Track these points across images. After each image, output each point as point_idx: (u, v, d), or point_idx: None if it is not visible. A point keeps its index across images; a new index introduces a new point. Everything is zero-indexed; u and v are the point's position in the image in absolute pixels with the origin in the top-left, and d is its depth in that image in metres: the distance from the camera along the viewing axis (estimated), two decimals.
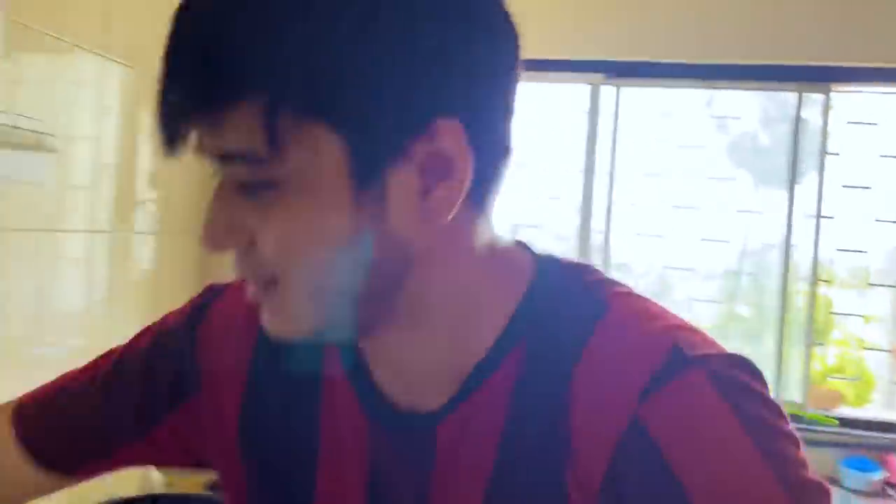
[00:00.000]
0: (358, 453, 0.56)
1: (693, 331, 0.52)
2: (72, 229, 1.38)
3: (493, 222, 0.54)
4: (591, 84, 2.59)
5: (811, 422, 2.46)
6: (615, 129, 2.61)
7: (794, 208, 2.54)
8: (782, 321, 2.57)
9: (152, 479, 1.48)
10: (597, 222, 2.60)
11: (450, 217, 0.47)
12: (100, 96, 1.44)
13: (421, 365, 0.54)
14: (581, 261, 0.58)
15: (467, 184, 0.47)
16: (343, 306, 0.49)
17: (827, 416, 2.47)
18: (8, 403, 0.67)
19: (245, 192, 0.47)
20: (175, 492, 1.49)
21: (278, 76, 0.43)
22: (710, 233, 2.63)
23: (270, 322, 0.51)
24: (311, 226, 0.46)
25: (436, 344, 0.53)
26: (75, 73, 1.38)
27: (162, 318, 0.68)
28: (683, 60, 2.49)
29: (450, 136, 0.46)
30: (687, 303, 2.65)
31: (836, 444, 2.41)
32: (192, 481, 1.60)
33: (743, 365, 0.50)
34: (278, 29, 0.43)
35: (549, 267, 0.56)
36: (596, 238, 2.61)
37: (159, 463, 0.73)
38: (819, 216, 2.53)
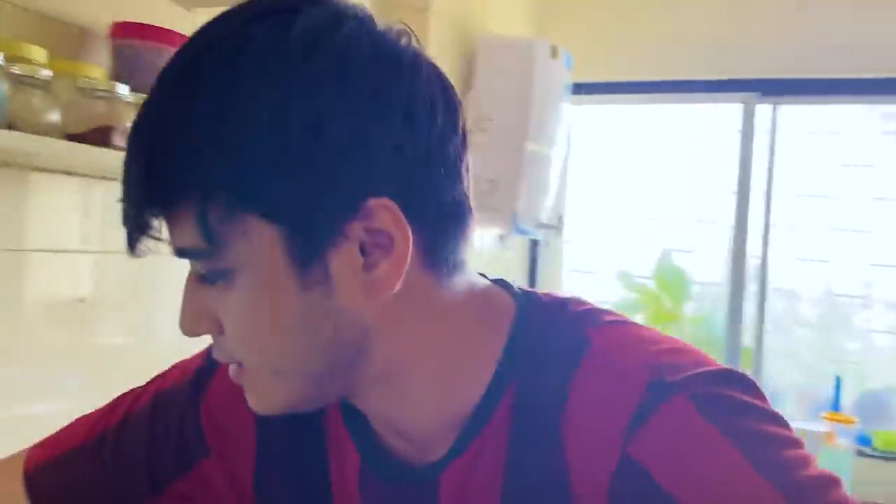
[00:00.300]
0: None
1: (678, 352, 0.52)
2: None
3: (466, 274, 0.55)
4: (744, 103, 2.52)
5: None
6: (772, 149, 2.51)
7: None
8: None
9: None
10: (753, 246, 2.50)
11: (397, 288, 0.49)
12: None
13: (413, 423, 0.55)
14: (563, 295, 0.59)
15: (408, 255, 0.48)
16: (309, 382, 0.51)
17: None
18: (18, 456, 0.69)
19: (204, 281, 0.50)
20: None
21: (205, 177, 0.46)
22: (882, 258, 2.45)
23: (249, 400, 0.53)
24: (261, 310, 0.49)
25: (423, 402, 0.53)
26: None
27: (164, 375, 0.69)
28: (844, 76, 2.36)
29: (383, 212, 0.47)
30: (864, 334, 2.47)
31: None
32: None
33: (729, 378, 0.51)
34: (199, 135, 0.46)
35: (529, 306, 0.56)
36: (752, 262, 2.50)
37: None
38: None
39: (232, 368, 0.53)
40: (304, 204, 0.47)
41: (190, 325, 0.52)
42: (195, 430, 0.64)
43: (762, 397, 0.51)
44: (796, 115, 2.53)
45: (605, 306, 0.59)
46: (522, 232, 2.21)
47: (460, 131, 0.52)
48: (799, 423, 2.31)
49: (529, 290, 0.58)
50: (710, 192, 2.61)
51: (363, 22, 0.50)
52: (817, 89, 2.42)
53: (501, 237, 2.28)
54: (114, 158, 0.92)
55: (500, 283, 0.59)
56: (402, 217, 0.48)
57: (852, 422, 2.20)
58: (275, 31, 0.47)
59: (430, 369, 0.53)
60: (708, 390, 0.49)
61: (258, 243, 0.47)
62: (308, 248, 0.47)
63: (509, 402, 0.53)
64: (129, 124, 0.94)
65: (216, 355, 0.54)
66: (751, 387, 0.51)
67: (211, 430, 0.64)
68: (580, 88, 2.48)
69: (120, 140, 0.92)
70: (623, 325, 0.56)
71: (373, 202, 0.47)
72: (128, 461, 0.65)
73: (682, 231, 2.68)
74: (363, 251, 0.48)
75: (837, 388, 2.35)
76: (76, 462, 0.66)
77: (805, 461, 0.49)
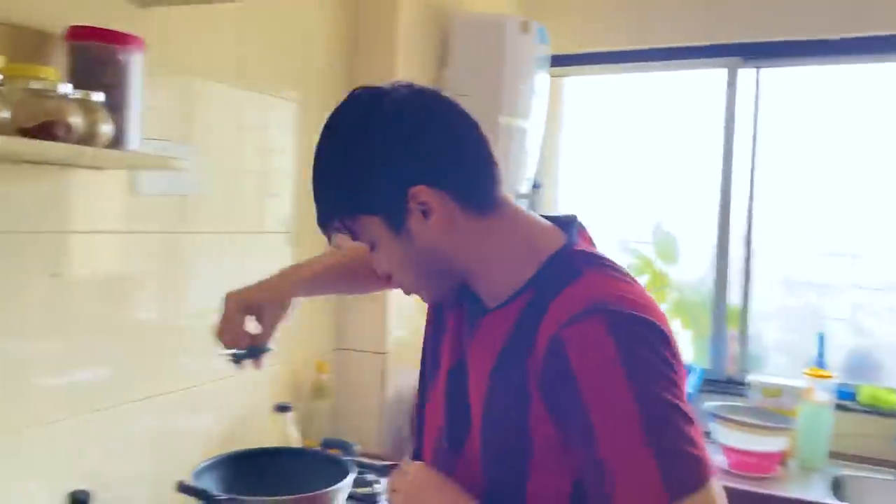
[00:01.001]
0: (453, 329, 1.00)
1: (627, 299, 0.81)
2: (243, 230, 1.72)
3: (513, 209, 0.93)
4: (727, 68, 2.54)
5: None
6: (756, 112, 2.54)
7: None
8: None
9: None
10: (738, 210, 2.54)
11: (446, 227, 0.88)
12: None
13: (489, 288, 0.93)
14: (590, 247, 0.94)
15: (445, 210, 0.88)
16: (431, 286, 0.96)
17: None
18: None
19: (372, 250, 0.93)
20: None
21: (336, 205, 0.91)
22: (869, 216, 2.47)
23: (426, 300, 1.00)
24: (391, 259, 0.92)
25: (485, 285, 0.93)
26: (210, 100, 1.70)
27: None
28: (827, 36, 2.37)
29: (422, 193, 0.87)
30: (851, 291, 2.49)
31: None
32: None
33: (644, 323, 0.79)
34: (328, 182, 0.91)
35: (564, 249, 0.91)
36: (738, 224, 2.55)
37: None
38: None
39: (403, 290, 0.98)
40: (384, 202, 0.88)
41: (378, 268, 0.95)
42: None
43: (666, 346, 0.79)
44: (780, 78, 2.54)
45: (620, 263, 0.90)
46: None
47: (479, 131, 0.93)
48: (782, 379, 2.37)
49: (579, 232, 0.94)
50: (698, 158, 2.65)
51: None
52: (800, 51, 2.44)
53: None
54: (58, 149, 1.05)
55: (564, 221, 0.95)
56: (433, 190, 0.87)
57: (831, 377, 2.25)
58: (357, 119, 0.91)
59: (493, 265, 0.92)
60: (622, 322, 0.78)
61: (373, 227, 0.90)
62: (395, 222, 0.88)
63: (528, 296, 0.88)
64: (72, 119, 1.09)
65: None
66: (659, 334, 0.79)
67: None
68: (562, 60, 2.55)
69: (63, 132, 1.05)
70: (612, 274, 0.87)
71: (414, 190, 0.87)
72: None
73: (672, 197, 2.73)
74: (424, 214, 0.88)
75: (821, 344, 2.40)
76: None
77: (670, 389, 0.76)
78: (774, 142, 2.53)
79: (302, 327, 1.96)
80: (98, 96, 1.15)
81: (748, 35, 2.48)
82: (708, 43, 2.52)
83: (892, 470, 2.23)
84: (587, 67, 2.74)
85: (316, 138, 0.91)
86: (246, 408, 1.79)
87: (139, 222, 1.51)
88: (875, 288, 2.50)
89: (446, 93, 0.93)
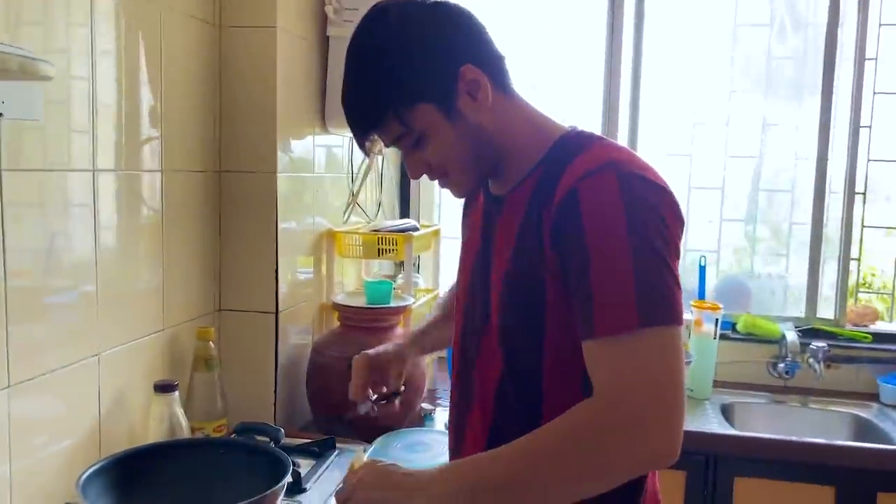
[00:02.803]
0: (477, 221, 1.10)
1: (639, 163, 0.92)
2: (77, 168, 1.31)
3: (527, 104, 1.05)
4: None
5: (846, 339, 2.40)
6: (639, 38, 2.49)
7: (829, 119, 2.43)
8: (817, 237, 2.48)
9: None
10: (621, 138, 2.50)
11: (490, 101, 0.98)
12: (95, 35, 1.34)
13: (505, 176, 1.03)
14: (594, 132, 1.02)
15: (490, 85, 0.97)
16: (476, 172, 1.03)
17: (862, 333, 2.41)
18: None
19: (415, 148, 1.00)
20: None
21: (392, 100, 0.96)
22: (738, 148, 2.52)
23: (452, 193, 1.06)
24: (443, 145, 0.98)
25: (511, 165, 1.02)
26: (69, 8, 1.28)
27: None
28: None
29: (469, 71, 0.96)
30: (716, 222, 2.56)
31: (872, 361, 2.36)
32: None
33: (652, 185, 0.90)
34: (385, 75, 0.96)
35: (574, 131, 1.02)
36: None
37: None
38: (857, 126, 2.41)
39: (439, 182, 1.04)
40: (437, 87, 0.96)
41: (415, 172, 1.03)
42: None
43: (668, 209, 0.89)
44: (662, 4, 2.50)
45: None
46: None
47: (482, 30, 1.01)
48: None
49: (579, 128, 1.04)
50: (582, 85, 2.56)
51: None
52: None
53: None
54: None
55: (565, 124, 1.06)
56: (477, 68, 0.97)
57: (718, 308, 2.30)
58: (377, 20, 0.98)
59: (516, 146, 1.01)
60: (631, 179, 0.88)
61: (427, 116, 0.96)
62: (447, 105, 0.96)
63: (539, 173, 0.98)
64: None
65: (434, 180, 1.05)
66: (661, 196, 0.90)
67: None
68: None
69: None
70: (619, 146, 0.98)
71: (463, 69, 0.96)
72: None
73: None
74: (470, 96, 0.96)
75: (702, 276, 2.44)
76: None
77: (661, 244, 0.86)
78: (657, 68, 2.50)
79: (176, 291, 1.62)
80: None
81: None
82: None
83: (769, 394, 2.35)
84: None
85: None
86: (119, 391, 1.45)
87: None
88: (739, 219, 2.58)
89: None
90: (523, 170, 0.99)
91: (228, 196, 1.77)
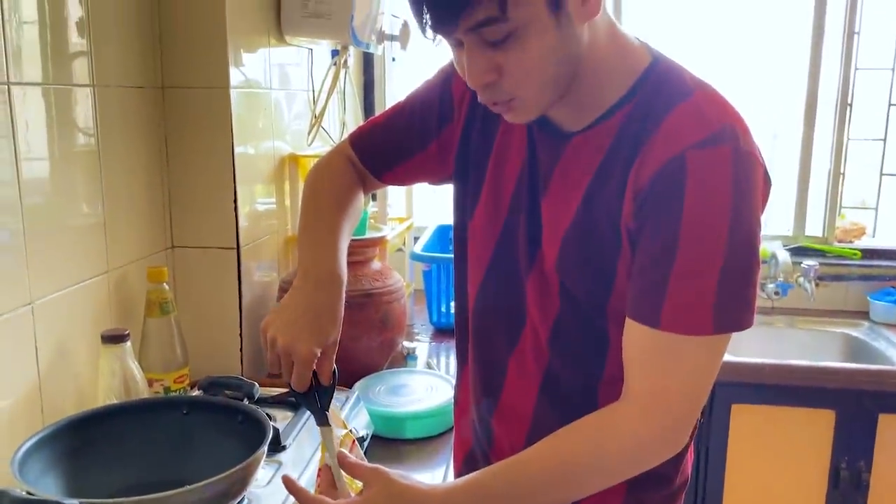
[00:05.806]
0: (518, 152, 0.93)
1: (749, 132, 0.81)
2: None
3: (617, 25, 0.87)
4: None
5: (835, 256, 2.32)
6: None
7: (822, 25, 2.29)
8: (806, 151, 2.37)
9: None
10: None
11: (599, 13, 0.81)
12: None
13: (574, 108, 0.87)
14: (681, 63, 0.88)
15: None
16: (552, 97, 0.83)
17: (851, 250, 2.33)
18: (345, 140, 1.11)
19: (492, 47, 0.77)
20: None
21: None
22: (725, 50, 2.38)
23: (513, 119, 0.86)
24: (537, 54, 0.78)
25: (585, 99, 0.86)
26: None
27: (418, 89, 1.06)
28: None
29: None
30: None
31: (862, 278, 2.29)
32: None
33: (760, 167, 0.81)
34: None
35: (660, 59, 0.87)
36: None
37: (430, 174, 1.07)
38: (851, 33, 2.28)
39: (495, 106, 0.84)
40: None
41: (480, 77, 0.80)
42: (449, 99, 1.00)
43: (766, 190, 0.83)
44: None
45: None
46: (360, 45, 1.84)
47: None
48: None
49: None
50: None
51: None
52: None
53: (338, 50, 1.91)
54: None
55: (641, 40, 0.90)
56: None
57: None
58: None
59: (599, 71, 0.85)
60: (746, 160, 0.79)
61: (531, 7, 0.75)
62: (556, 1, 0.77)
63: (627, 112, 0.85)
64: None
65: (487, 98, 0.83)
66: (764, 178, 0.82)
67: (456, 101, 1.00)
68: None
69: None
70: (720, 96, 0.84)
71: None
72: (414, 120, 1.03)
73: None
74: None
75: None
76: (381, 129, 1.08)
77: (757, 236, 0.80)
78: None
79: (120, 226, 1.41)
80: None
81: None
82: None
83: (756, 315, 2.26)
84: None
85: None
86: (61, 344, 1.25)
87: None
88: None
89: None
90: (603, 104, 0.85)
91: (175, 116, 1.54)
